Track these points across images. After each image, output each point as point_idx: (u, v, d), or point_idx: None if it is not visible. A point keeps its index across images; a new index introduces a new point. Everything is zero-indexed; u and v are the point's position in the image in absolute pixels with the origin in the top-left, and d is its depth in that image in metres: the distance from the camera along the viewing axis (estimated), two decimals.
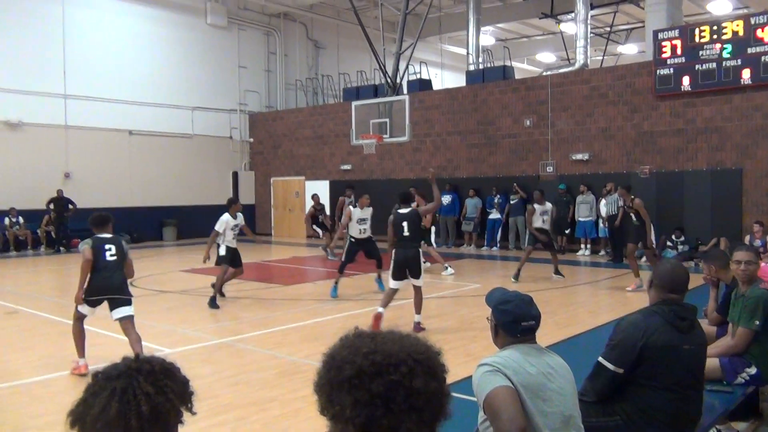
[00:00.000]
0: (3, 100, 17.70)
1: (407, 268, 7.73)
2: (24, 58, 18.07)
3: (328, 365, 1.38)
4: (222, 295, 10.08)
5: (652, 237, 11.15)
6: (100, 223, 6.24)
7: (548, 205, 12.08)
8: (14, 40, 17.93)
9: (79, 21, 19.24)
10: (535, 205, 11.96)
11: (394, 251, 7.80)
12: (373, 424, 1.28)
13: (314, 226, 16.12)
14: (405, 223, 7.78)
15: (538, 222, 11.88)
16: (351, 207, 10.62)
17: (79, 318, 6.19)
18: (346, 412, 1.29)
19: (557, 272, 11.96)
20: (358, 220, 10.40)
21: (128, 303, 6.12)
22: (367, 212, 10.55)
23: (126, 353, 1.56)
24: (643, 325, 3.18)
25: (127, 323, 6.03)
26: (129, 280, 6.27)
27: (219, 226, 9.80)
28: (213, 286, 10.03)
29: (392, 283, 7.79)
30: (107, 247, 6.06)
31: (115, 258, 6.05)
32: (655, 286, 3.34)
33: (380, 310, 7.68)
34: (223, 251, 9.84)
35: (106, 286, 5.99)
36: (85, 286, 5.98)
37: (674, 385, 3.15)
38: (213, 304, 9.52)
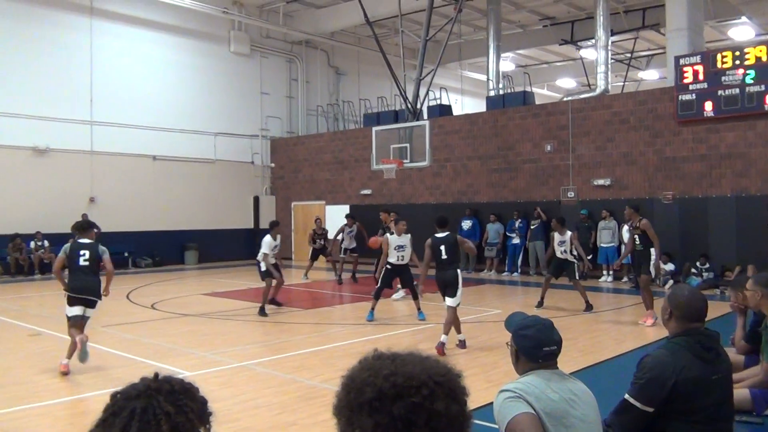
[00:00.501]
0: (31, 127, 18.09)
1: (445, 288, 8.13)
2: (52, 85, 18.50)
3: (347, 387, 1.36)
4: (279, 304, 11.59)
5: (660, 261, 10.59)
6: (81, 228, 7.24)
7: (567, 234, 11.29)
8: (43, 68, 18.37)
9: (105, 49, 19.67)
10: (555, 234, 11.57)
11: (435, 273, 8.26)
12: None
13: (313, 246, 16.80)
14: (443, 247, 8.14)
15: (557, 252, 11.37)
16: (388, 234, 10.52)
17: (73, 325, 6.87)
18: None
19: (587, 306, 11.15)
20: (396, 247, 10.33)
21: (95, 305, 7.12)
22: (405, 239, 10.47)
23: (144, 374, 1.56)
24: (672, 362, 3.07)
25: (85, 322, 7.05)
26: (111, 282, 7.31)
27: (266, 248, 11.09)
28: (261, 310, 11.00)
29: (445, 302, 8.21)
30: (81, 252, 6.99)
31: (87, 263, 6.97)
32: (676, 317, 3.22)
33: (459, 337, 8.29)
34: (263, 267, 11.17)
35: (83, 287, 6.96)
36: (66, 286, 7.00)
37: (705, 418, 3.05)
38: (262, 312, 10.83)
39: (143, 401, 1.43)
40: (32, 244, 17.83)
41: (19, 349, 8.44)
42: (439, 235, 8.23)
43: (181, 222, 21.33)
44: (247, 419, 5.36)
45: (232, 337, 9.35)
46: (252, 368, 7.32)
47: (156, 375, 1.52)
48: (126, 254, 19.89)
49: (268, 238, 11.18)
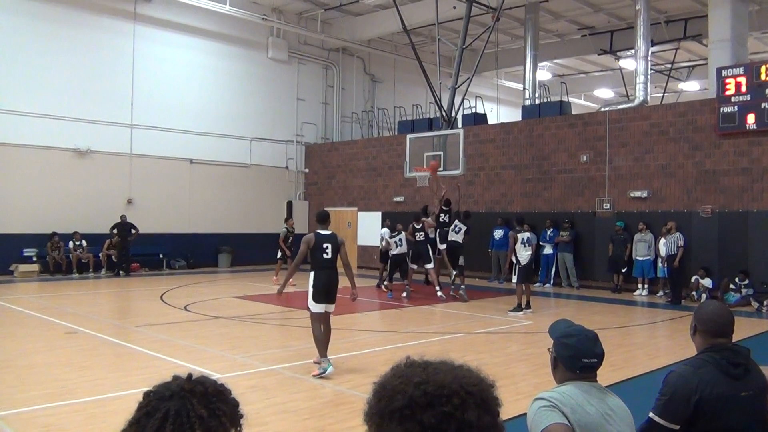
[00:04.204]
0: (73, 129, 18.53)
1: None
2: (94, 88, 18.94)
3: (378, 394, 1.34)
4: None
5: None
6: (323, 219, 7.54)
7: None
8: (87, 72, 18.83)
9: (147, 54, 20.09)
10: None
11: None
12: None
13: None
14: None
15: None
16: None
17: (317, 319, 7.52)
18: None
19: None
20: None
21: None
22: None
23: (175, 373, 1.56)
24: (695, 378, 2.95)
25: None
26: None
27: (387, 236, 15.38)
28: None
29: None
30: (325, 245, 7.37)
31: (329, 257, 7.45)
32: (700, 332, 3.10)
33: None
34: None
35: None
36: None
37: None
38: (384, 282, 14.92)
39: (177, 403, 1.43)
40: (71, 244, 18.21)
41: (55, 347, 8.62)
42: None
43: (216, 225, 21.60)
44: (275, 423, 5.38)
45: (262, 340, 9.41)
46: (281, 372, 7.35)
47: (189, 376, 1.52)
48: (161, 255, 20.21)
49: (386, 229, 15.96)
